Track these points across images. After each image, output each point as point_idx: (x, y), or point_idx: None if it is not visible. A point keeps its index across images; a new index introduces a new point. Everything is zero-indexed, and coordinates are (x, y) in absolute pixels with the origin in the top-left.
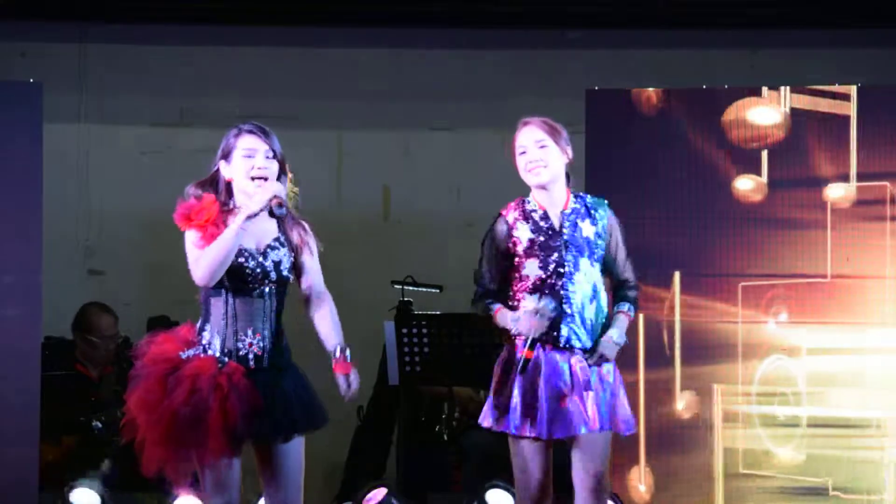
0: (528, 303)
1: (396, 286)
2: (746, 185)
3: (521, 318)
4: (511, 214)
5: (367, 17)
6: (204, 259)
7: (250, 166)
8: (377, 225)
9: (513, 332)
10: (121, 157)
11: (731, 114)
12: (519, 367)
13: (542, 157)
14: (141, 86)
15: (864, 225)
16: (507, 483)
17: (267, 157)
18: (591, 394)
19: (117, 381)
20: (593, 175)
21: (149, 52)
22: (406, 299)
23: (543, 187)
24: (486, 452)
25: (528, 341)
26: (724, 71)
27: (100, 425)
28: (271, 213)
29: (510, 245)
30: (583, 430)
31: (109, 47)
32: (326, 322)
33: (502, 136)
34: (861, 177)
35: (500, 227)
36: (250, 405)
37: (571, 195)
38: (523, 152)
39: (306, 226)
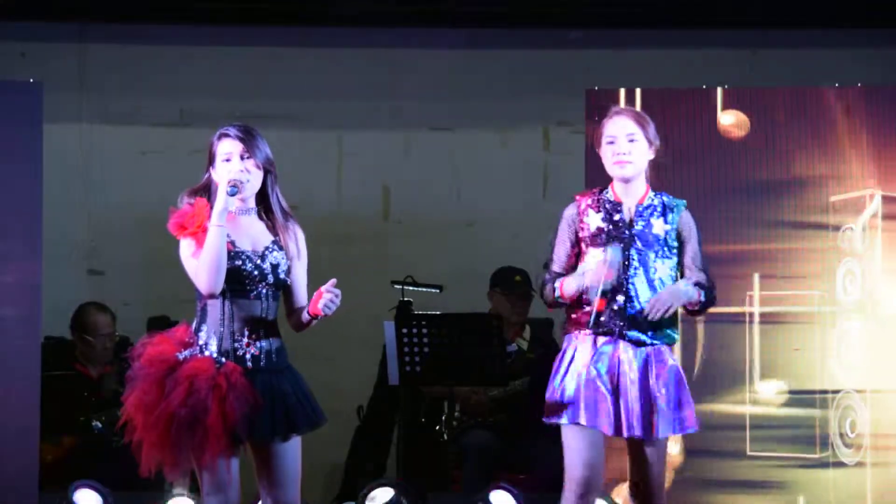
0: (594, 256)
1: (396, 286)
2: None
3: (588, 270)
4: (585, 201)
5: (367, 17)
6: (200, 269)
7: (227, 171)
8: (377, 225)
9: (582, 286)
10: (121, 157)
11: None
12: (592, 320)
13: (631, 150)
14: (141, 86)
15: None
16: (510, 484)
17: (243, 159)
18: (643, 395)
19: (117, 380)
20: (593, 175)
21: (149, 52)
22: (406, 299)
23: (626, 180)
24: (486, 452)
25: (599, 292)
26: (724, 71)
27: (100, 425)
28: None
29: (578, 229)
30: (622, 434)
31: (109, 47)
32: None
33: (502, 136)
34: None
35: (571, 211)
36: (249, 405)
37: (650, 191)
38: (611, 142)
39: (298, 231)
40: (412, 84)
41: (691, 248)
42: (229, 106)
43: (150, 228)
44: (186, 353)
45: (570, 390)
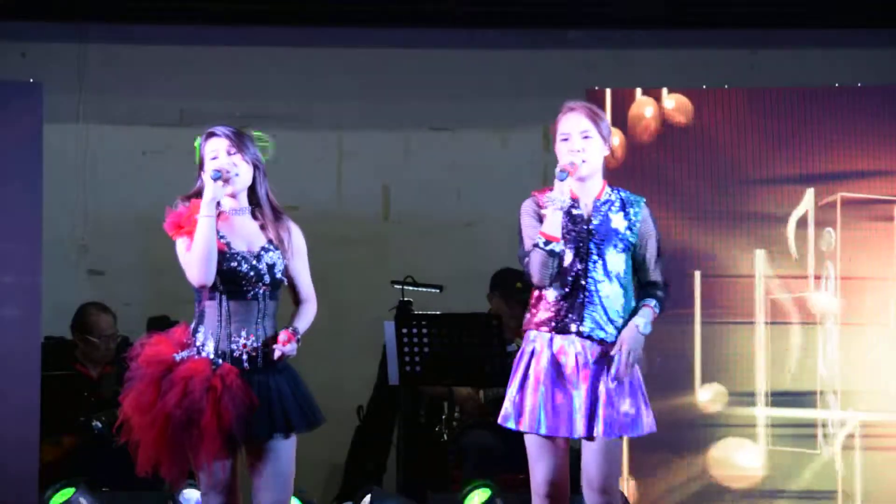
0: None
1: (396, 286)
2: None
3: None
4: (542, 197)
5: (367, 17)
6: (191, 261)
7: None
8: (377, 225)
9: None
10: (121, 157)
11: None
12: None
13: (585, 147)
14: (141, 86)
15: None
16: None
17: (229, 154)
18: (597, 391)
19: (117, 380)
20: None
21: (149, 52)
22: (406, 299)
23: (582, 178)
24: (486, 452)
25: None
26: (724, 71)
27: (100, 425)
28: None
29: (539, 222)
30: (579, 434)
31: (109, 47)
32: (299, 316)
33: (502, 136)
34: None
35: (530, 204)
36: (245, 406)
37: (607, 186)
38: (566, 139)
39: (291, 227)
40: (412, 84)
41: (651, 247)
42: (229, 106)
43: (150, 228)
44: (184, 353)
45: (529, 398)
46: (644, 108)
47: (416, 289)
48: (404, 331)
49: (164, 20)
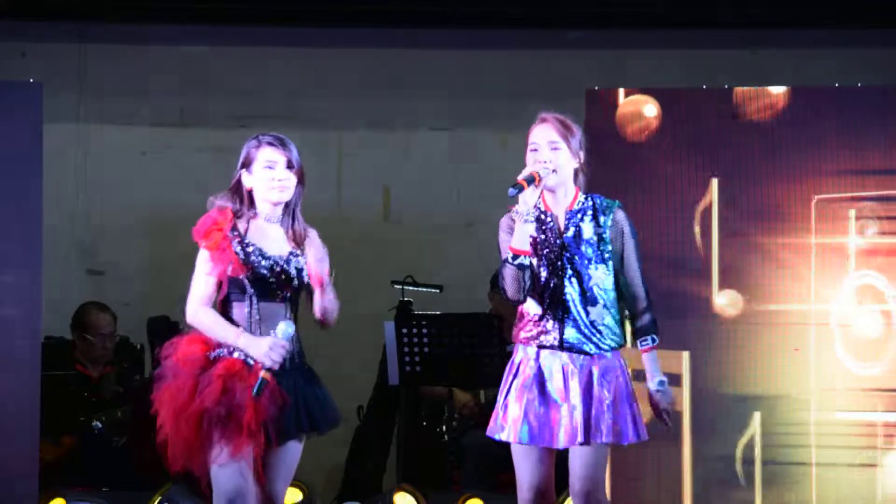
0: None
1: (396, 286)
2: None
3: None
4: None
5: (367, 17)
6: (200, 321)
7: (271, 177)
8: (377, 225)
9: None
10: (121, 157)
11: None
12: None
13: (553, 159)
14: (141, 86)
15: None
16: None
17: (287, 168)
18: (586, 402)
19: (117, 380)
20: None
21: (149, 52)
22: (406, 299)
23: (550, 190)
24: (486, 452)
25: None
26: (724, 71)
27: (100, 425)
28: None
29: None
30: (563, 444)
31: (109, 47)
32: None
33: (502, 136)
34: None
35: (506, 219)
36: (278, 405)
37: (581, 195)
38: (535, 150)
39: (312, 235)
40: (412, 84)
41: (627, 256)
42: (229, 106)
43: (150, 228)
44: (216, 353)
45: (513, 408)
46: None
47: (416, 289)
48: (404, 331)
49: (164, 20)
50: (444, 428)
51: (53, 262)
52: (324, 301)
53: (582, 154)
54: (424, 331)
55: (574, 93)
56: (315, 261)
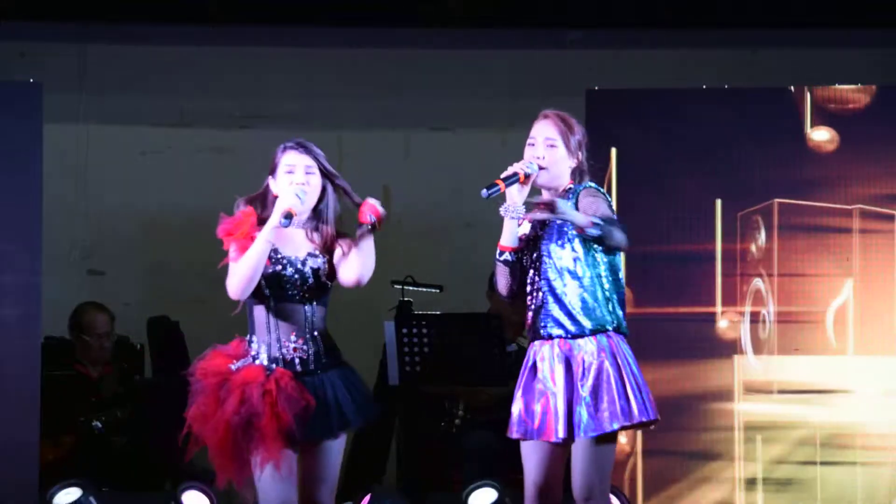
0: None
1: (396, 286)
2: None
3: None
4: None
5: (367, 17)
6: (235, 273)
7: (290, 182)
8: None
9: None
10: (121, 157)
11: None
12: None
13: (547, 156)
14: (141, 86)
15: None
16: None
17: (307, 173)
18: (575, 396)
19: (117, 381)
20: (593, 175)
21: (149, 52)
22: (406, 299)
23: (542, 186)
24: (486, 452)
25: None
26: (724, 71)
27: (100, 425)
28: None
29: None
30: (560, 437)
31: (109, 47)
32: None
33: (502, 136)
34: None
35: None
36: (301, 406)
37: (571, 187)
38: (532, 145)
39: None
40: (412, 84)
41: (594, 204)
42: (229, 106)
43: (150, 228)
44: (239, 363)
45: (517, 403)
46: None
47: (416, 289)
48: (404, 331)
49: (164, 20)
50: (449, 426)
51: (53, 262)
52: (364, 252)
53: (581, 153)
54: (424, 331)
55: (574, 93)
56: (367, 204)
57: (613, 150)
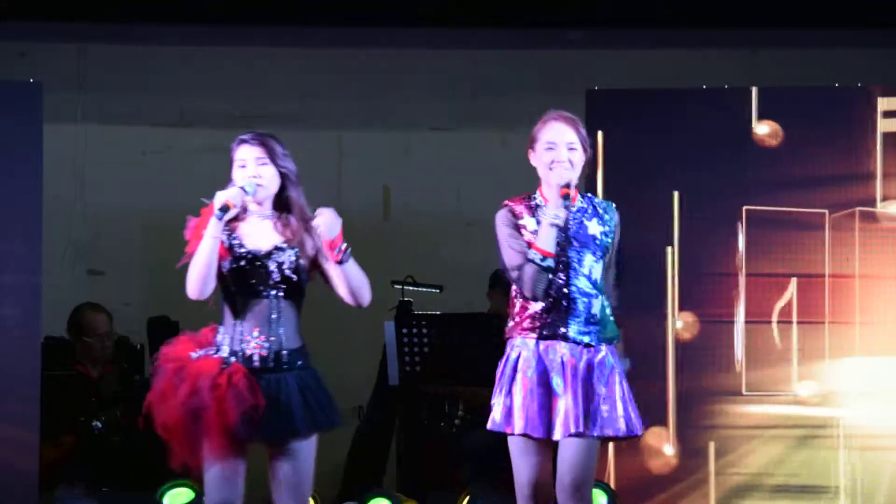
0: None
1: (396, 286)
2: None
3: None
4: (517, 206)
5: (367, 17)
6: (189, 272)
7: (243, 176)
8: (377, 225)
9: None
10: (121, 157)
11: None
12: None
13: (571, 158)
14: (141, 86)
15: None
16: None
17: (259, 164)
18: (585, 393)
19: (117, 381)
20: (593, 175)
21: (149, 52)
22: (406, 299)
23: (567, 186)
24: (486, 452)
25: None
26: (724, 71)
27: (100, 425)
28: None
29: (517, 231)
30: (560, 434)
31: (109, 47)
32: None
33: (502, 136)
34: None
35: (506, 215)
36: (249, 405)
37: (579, 194)
38: (552, 148)
39: (331, 218)
40: (412, 84)
41: (614, 258)
42: (229, 106)
43: (150, 228)
44: (200, 352)
45: (515, 400)
46: None
47: (416, 289)
48: (404, 331)
49: (164, 20)
50: (449, 426)
51: (53, 262)
52: (347, 277)
53: (589, 151)
54: (424, 331)
55: (574, 93)
56: (325, 229)
57: (599, 145)
